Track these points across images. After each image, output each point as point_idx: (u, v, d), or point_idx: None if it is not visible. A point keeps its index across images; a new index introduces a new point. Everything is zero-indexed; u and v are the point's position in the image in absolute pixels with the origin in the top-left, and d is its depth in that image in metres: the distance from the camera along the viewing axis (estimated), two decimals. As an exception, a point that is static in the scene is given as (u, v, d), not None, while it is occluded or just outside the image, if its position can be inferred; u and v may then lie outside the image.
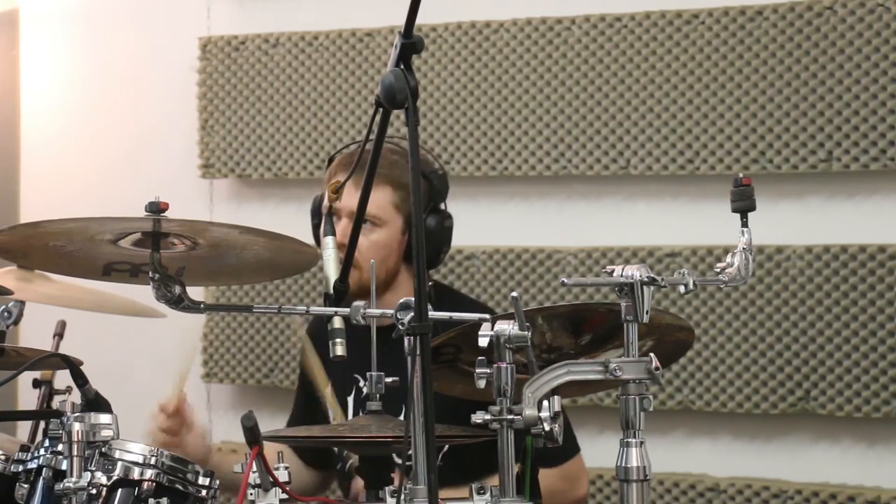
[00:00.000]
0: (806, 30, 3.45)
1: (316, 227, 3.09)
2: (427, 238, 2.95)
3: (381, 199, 2.96)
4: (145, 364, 4.20)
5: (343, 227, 2.91)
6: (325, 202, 3.04)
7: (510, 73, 3.75)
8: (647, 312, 2.03)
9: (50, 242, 2.26)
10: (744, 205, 2.18)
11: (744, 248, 2.17)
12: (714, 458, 3.60)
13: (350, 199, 2.86)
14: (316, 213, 3.12)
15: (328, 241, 2.47)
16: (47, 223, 2.18)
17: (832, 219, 3.49)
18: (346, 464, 3.10)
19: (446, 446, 2.86)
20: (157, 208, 2.12)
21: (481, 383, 2.05)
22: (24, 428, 3.38)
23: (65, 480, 2.18)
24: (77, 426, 2.19)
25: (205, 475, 2.31)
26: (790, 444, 3.55)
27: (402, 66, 2.00)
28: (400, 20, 2.01)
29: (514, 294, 2.05)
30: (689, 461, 3.60)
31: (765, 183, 3.44)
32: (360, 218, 2.32)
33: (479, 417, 2.04)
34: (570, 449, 2.97)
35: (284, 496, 2.17)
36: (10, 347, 2.75)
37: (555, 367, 2.03)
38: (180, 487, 2.27)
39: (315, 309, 2.42)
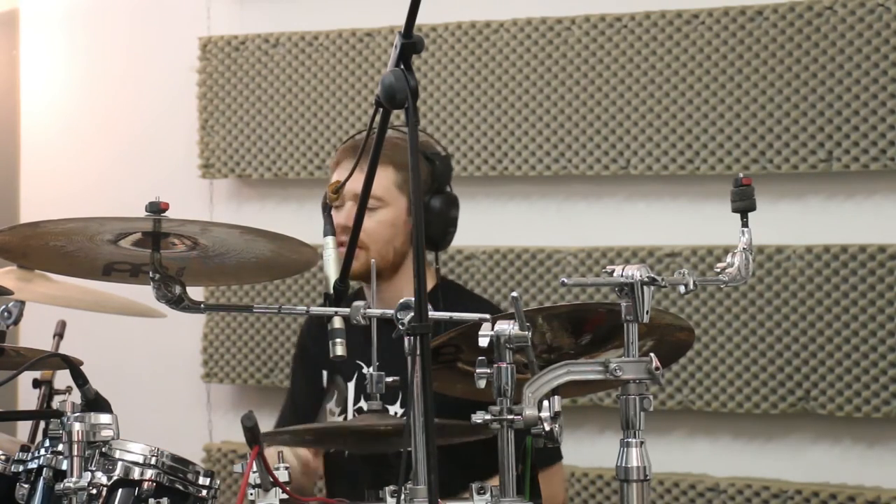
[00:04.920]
0: (806, 30, 3.45)
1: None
2: (432, 219, 2.98)
3: (384, 180, 2.99)
4: (145, 364, 4.21)
5: (348, 209, 2.95)
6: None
7: (510, 73, 3.75)
8: (647, 312, 2.03)
9: (50, 242, 2.26)
10: (744, 205, 2.18)
11: (744, 248, 2.17)
12: (714, 458, 3.60)
13: (354, 182, 2.90)
14: (326, 208, 3.13)
15: (328, 241, 2.47)
16: (47, 223, 2.18)
17: (832, 219, 3.49)
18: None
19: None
20: (157, 208, 2.12)
21: (481, 383, 2.05)
22: (24, 428, 3.38)
23: (65, 480, 2.18)
24: (77, 426, 2.19)
25: (205, 475, 2.31)
26: (790, 444, 3.54)
27: (402, 66, 2.00)
28: (400, 20, 2.01)
29: (514, 294, 2.05)
30: (689, 461, 3.60)
31: (765, 183, 3.44)
32: (363, 205, 2.32)
33: (479, 417, 2.04)
34: (550, 455, 2.97)
35: (284, 496, 2.17)
36: (10, 347, 2.74)
37: (555, 367, 2.03)
38: (180, 487, 2.27)
39: (315, 309, 2.42)
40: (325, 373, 3.21)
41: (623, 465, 2.02)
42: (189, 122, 4.16)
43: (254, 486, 2.15)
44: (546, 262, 3.71)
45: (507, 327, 2.05)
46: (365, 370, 3.07)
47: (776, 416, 3.52)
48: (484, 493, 2.14)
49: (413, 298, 1.98)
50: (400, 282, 3.02)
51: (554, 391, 2.01)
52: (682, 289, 2.14)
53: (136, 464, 2.24)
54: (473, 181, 3.82)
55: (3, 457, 2.35)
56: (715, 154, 3.54)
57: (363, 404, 3.00)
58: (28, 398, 3.26)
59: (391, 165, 2.98)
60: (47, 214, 2.31)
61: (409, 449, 2.02)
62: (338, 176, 3.03)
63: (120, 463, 2.22)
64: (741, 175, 2.20)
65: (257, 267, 2.42)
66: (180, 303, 2.23)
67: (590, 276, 3.58)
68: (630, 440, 2.02)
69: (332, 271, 2.42)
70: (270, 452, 2.29)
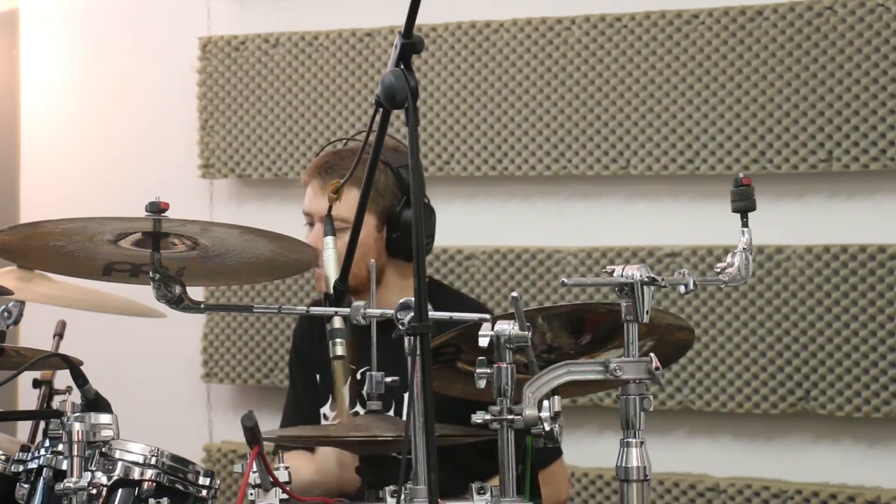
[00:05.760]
0: (806, 30, 3.45)
1: None
2: (404, 231, 2.96)
3: (350, 201, 2.92)
4: (145, 364, 4.21)
5: (316, 231, 2.94)
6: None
7: (510, 73, 3.75)
8: (647, 312, 2.03)
9: (50, 242, 2.26)
10: (744, 205, 2.18)
11: (744, 248, 2.17)
12: (714, 458, 3.60)
13: (317, 203, 2.92)
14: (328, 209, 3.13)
15: (328, 241, 2.47)
16: (47, 223, 2.19)
17: (832, 219, 3.49)
18: None
19: None
20: (157, 208, 2.12)
21: (481, 383, 2.05)
22: (24, 428, 3.39)
23: (65, 480, 2.18)
24: (77, 426, 2.20)
25: (205, 475, 2.31)
26: (790, 444, 3.55)
27: (402, 66, 2.00)
28: (400, 20, 2.01)
29: (514, 294, 2.05)
30: (689, 461, 3.60)
31: (765, 183, 3.44)
32: (359, 218, 2.32)
33: (479, 417, 2.04)
34: (552, 453, 2.96)
35: (284, 496, 2.17)
36: (10, 347, 2.74)
37: (555, 367, 2.03)
38: (180, 487, 2.27)
39: (315, 309, 2.42)
40: (317, 375, 3.20)
41: (623, 465, 2.02)
42: (189, 122, 4.16)
43: (254, 486, 2.15)
44: (546, 262, 3.71)
45: (507, 327, 2.05)
46: (358, 375, 3.07)
47: (776, 416, 3.52)
48: (484, 493, 2.14)
49: (412, 298, 1.98)
50: (384, 294, 2.99)
51: (554, 391, 2.01)
52: (682, 289, 2.14)
53: (136, 464, 2.24)
54: (473, 181, 3.82)
55: (3, 457, 2.35)
56: (715, 154, 3.54)
57: (359, 409, 2.99)
58: (28, 398, 3.26)
59: (355, 185, 2.90)
60: (47, 214, 2.31)
61: (409, 456, 2.01)
62: (308, 199, 3.02)
63: (120, 463, 2.23)
64: (741, 175, 2.20)
65: (257, 267, 2.42)
66: (180, 303, 2.23)
67: (590, 276, 3.58)
68: (630, 440, 2.02)
69: (332, 271, 2.42)
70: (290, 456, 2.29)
